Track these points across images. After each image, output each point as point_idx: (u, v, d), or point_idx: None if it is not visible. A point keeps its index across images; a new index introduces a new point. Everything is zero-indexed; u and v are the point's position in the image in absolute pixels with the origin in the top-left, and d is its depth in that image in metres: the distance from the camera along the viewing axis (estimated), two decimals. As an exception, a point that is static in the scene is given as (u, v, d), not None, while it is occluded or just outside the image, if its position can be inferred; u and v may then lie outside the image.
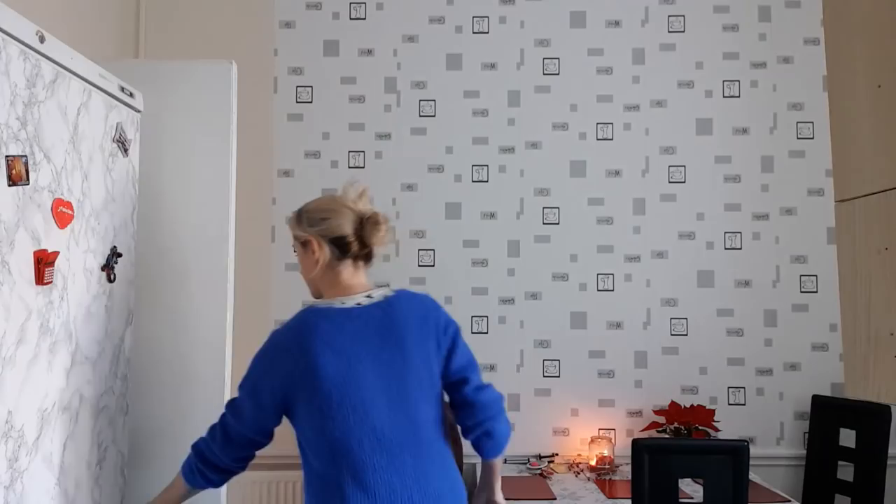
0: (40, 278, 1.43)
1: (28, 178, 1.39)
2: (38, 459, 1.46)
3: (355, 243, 1.67)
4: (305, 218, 1.69)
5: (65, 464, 1.56)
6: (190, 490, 1.67)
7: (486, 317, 3.13)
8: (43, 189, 1.46)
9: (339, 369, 1.56)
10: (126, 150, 1.81)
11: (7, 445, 1.35)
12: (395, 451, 1.56)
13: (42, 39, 1.45)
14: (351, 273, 1.69)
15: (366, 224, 1.67)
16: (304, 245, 1.69)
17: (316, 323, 1.60)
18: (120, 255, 1.77)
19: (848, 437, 2.77)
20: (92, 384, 1.68)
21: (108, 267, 1.73)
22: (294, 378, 1.56)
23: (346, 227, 1.66)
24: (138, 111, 1.93)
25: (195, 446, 1.65)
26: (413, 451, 1.58)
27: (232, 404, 1.65)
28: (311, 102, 3.19)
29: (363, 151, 3.18)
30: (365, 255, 1.71)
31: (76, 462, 1.61)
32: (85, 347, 1.64)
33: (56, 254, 1.47)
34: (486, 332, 3.12)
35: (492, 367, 3.10)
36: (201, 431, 1.69)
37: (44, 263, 1.42)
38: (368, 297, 1.67)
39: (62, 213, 1.52)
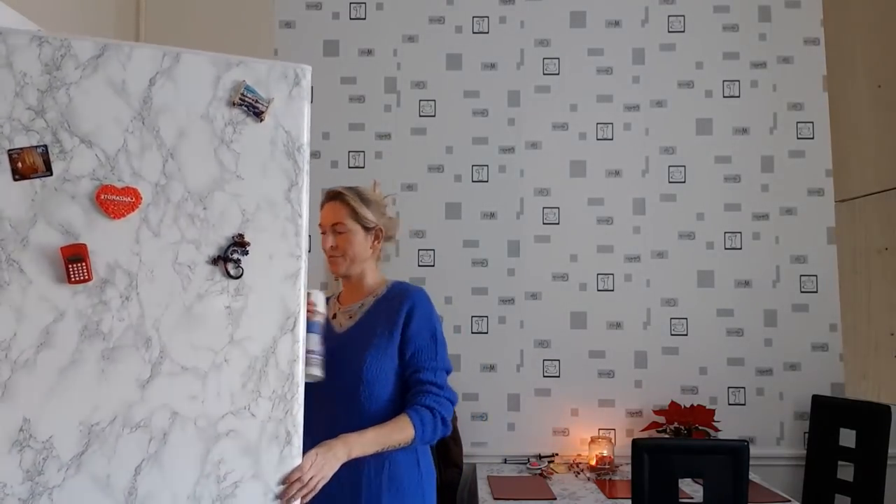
0: (69, 276, 1.35)
1: (50, 169, 1.33)
2: (83, 478, 1.35)
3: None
4: (374, 207, 1.80)
5: (139, 491, 1.38)
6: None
7: (486, 317, 3.12)
8: (80, 178, 1.36)
9: None
10: (259, 115, 1.51)
11: (24, 455, 1.30)
12: None
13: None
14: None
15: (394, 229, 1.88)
16: (367, 230, 1.80)
17: None
18: (247, 244, 1.49)
19: (848, 437, 2.77)
20: (200, 401, 1.43)
21: (225, 260, 1.47)
22: None
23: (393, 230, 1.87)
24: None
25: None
26: None
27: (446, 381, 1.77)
28: (311, 102, 3.18)
29: (363, 151, 3.18)
30: None
31: (164, 492, 1.40)
32: (181, 356, 1.43)
33: (82, 247, 1.36)
34: (486, 332, 3.12)
35: (492, 368, 3.10)
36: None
37: (68, 259, 1.35)
38: None
39: (112, 202, 1.39)
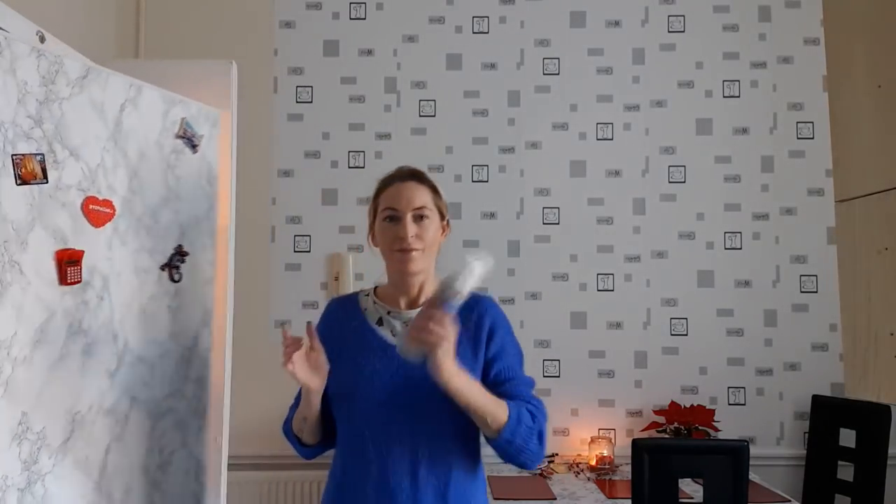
0: (64, 278, 1.43)
1: (46, 177, 1.40)
2: (69, 463, 1.45)
3: None
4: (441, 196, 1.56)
5: (108, 468, 1.54)
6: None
7: (486, 317, 3.12)
8: (69, 187, 1.45)
9: None
10: (195, 147, 1.76)
11: (22, 447, 1.36)
12: None
13: (42, 39, 1.46)
14: None
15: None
16: (442, 217, 1.56)
17: None
18: (186, 253, 1.73)
19: (848, 437, 2.77)
20: (150, 386, 1.64)
21: (169, 266, 1.69)
22: None
23: None
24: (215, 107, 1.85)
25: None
26: None
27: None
28: (311, 102, 3.19)
29: (363, 151, 3.18)
30: None
31: (125, 467, 1.58)
32: (138, 349, 1.62)
33: (80, 253, 1.46)
34: (486, 332, 3.11)
35: (492, 367, 3.09)
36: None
37: (66, 263, 1.42)
38: None
39: (96, 212, 1.51)
